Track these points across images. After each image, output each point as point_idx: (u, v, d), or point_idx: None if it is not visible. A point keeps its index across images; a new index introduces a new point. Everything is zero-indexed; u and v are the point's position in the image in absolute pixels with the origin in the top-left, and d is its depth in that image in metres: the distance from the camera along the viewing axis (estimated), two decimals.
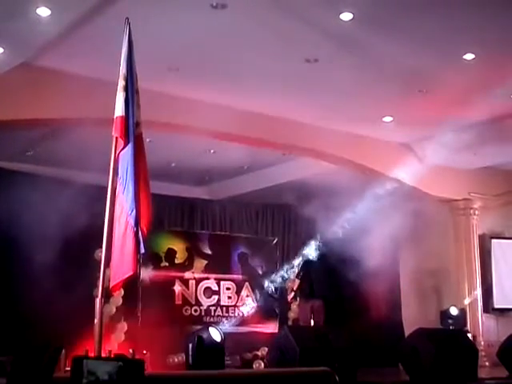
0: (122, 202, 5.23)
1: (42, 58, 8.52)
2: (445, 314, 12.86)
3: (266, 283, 14.34)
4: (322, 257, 11.24)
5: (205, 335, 8.06)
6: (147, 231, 5.27)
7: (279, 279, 14.25)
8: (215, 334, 8.09)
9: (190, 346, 7.93)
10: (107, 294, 5.38)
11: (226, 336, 10.17)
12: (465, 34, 7.98)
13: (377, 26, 7.73)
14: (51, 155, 11.60)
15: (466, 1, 7.17)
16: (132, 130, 5.33)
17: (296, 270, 12.17)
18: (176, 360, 11.46)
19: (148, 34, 7.40)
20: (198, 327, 10.87)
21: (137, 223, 5.15)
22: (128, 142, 5.30)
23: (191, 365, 7.94)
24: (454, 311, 12.76)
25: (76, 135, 10.24)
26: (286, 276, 14.11)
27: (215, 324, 11.81)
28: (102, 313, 5.24)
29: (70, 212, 10.45)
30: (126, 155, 5.28)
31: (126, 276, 5.19)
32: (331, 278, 11.37)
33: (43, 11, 7.19)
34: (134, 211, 5.16)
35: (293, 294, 11.47)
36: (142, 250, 5.20)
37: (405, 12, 7.42)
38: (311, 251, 11.26)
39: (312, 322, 10.78)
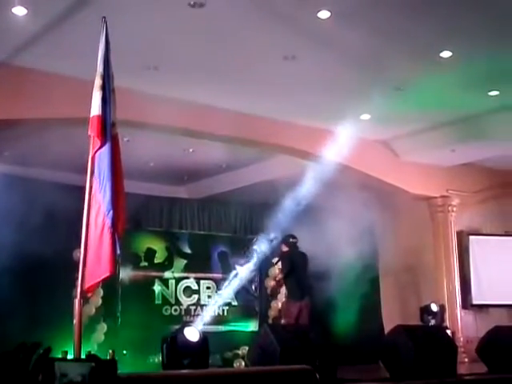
0: (99, 201, 5.20)
1: (19, 58, 8.46)
2: (424, 311, 12.90)
3: (247, 282, 14.35)
4: (301, 255, 11.20)
5: (179, 335, 8.01)
6: (122, 232, 5.24)
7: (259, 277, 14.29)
8: (191, 334, 8.03)
9: (164, 346, 7.89)
10: (85, 295, 5.33)
11: (206, 335, 10.17)
12: (441, 32, 8.01)
13: (354, 24, 7.74)
14: (28, 155, 11.51)
15: None
16: (109, 130, 5.30)
17: (276, 268, 12.09)
18: (156, 360, 11.42)
19: (125, 33, 7.37)
20: (178, 327, 10.87)
21: (113, 224, 5.12)
22: (105, 142, 5.27)
23: (165, 365, 7.90)
24: (434, 307, 12.82)
25: (54, 135, 10.18)
26: (265, 274, 14.15)
27: (195, 323, 11.80)
28: (80, 314, 5.21)
29: (47, 212, 10.40)
30: (103, 155, 5.25)
31: (103, 277, 5.16)
32: (312, 277, 11.35)
33: (19, 10, 7.15)
34: (112, 212, 5.13)
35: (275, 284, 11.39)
36: (118, 251, 5.16)
37: (382, 10, 7.44)
38: (289, 249, 11.20)
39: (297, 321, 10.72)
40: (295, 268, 10.94)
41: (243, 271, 13.18)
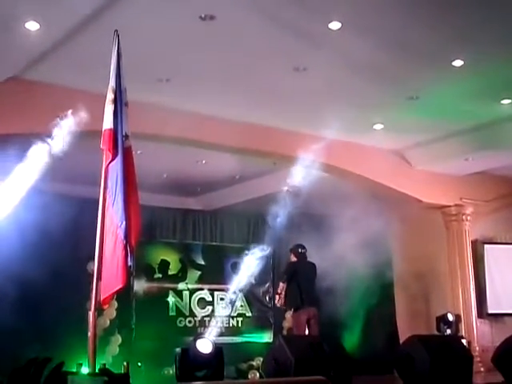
0: (112, 214, 5.23)
1: (32, 72, 8.52)
2: (440, 320, 12.85)
3: (260, 293, 14.34)
4: (309, 265, 11.17)
5: (192, 347, 8.01)
6: (135, 244, 5.25)
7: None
8: (204, 346, 8.02)
9: (177, 358, 7.90)
10: (100, 307, 5.35)
11: (222, 347, 10.15)
12: (453, 41, 8.00)
13: (365, 35, 7.74)
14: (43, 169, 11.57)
15: (454, 8, 7.20)
16: (121, 143, 5.32)
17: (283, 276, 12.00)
18: (171, 372, 11.42)
19: (137, 46, 7.41)
20: (191, 338, 10.85)
21: (126, 235, 5.14)
22: (116, 155, 5.29)
23: (179, 377, 7.91)
24: (450, 317, 12.77)
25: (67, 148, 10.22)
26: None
27: (208, 335, 11.78)
28: (95, 326, 5.22)
29: (61, 225, 10.43)
30: (115, 168, 5.28)
31: (117, 289, 5.17)
32: (322, 286, 11.30)
33: (32, 25, 7.21)
34: (124, 223, 5.15)
35: (278, 298, 11.25)
36: (130, 263, 5.18)
37: (393, 20, 7.45)
38: (298, 259, 11.17)
39: (307, 332, 10.69)
40: (298, 277, 10.89)
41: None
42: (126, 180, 5.28)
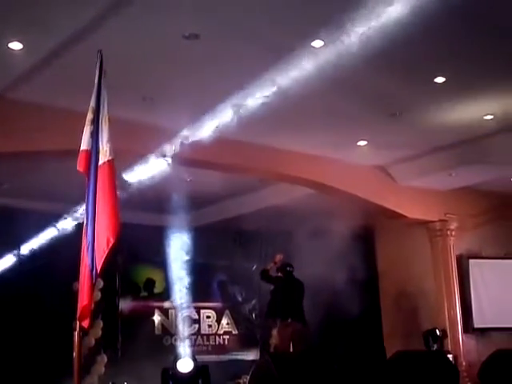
0: (84, 235, 5.18)
1: (15, 91, 8.51)
2: (427, 335, 12.86)
3: (247, 310, 14.31)
4: (296, 282, 11.21)
5: (175, 366, 8.00)
6: (103, 265, 5.16)
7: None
8: (184, 365, 7.99)
9: (161, 377, 7.90)
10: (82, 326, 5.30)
11: (208, 365, 10.10)
12: (435, 58, 8.08)
13: (348, 52, 7.78)
14: (28, 188, 11.53)
15: (435, 26, 7.25)
16: (94, 162, 5.23)
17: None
18: None
19: (122, 66, 7.43)
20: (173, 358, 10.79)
21: (92, 255, 5.09)
22: (91, 175, 5.22)
23: None
24: (436, 332, 12.78)
25: (53, 167, 10.21)
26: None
27: (197, 353, 11.74)
28: (80, 346, 5.18)
29: (48, 244, 10.41)
30: (88, 189, 5.22)
31: (82, 306, 5.11)
32: (307, 304, 11.35)
33: (15, 45, 7.22)
34: (91, 242, 5.09)
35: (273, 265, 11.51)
36: (94, 281, 5.13)
37: (375, 38, 7.49)
38: (283, 277, 11.23)
39: (291, 348, 10.70)
40: (284, 292, 10.97)
41: None
42: (96, 198, 5.19)
